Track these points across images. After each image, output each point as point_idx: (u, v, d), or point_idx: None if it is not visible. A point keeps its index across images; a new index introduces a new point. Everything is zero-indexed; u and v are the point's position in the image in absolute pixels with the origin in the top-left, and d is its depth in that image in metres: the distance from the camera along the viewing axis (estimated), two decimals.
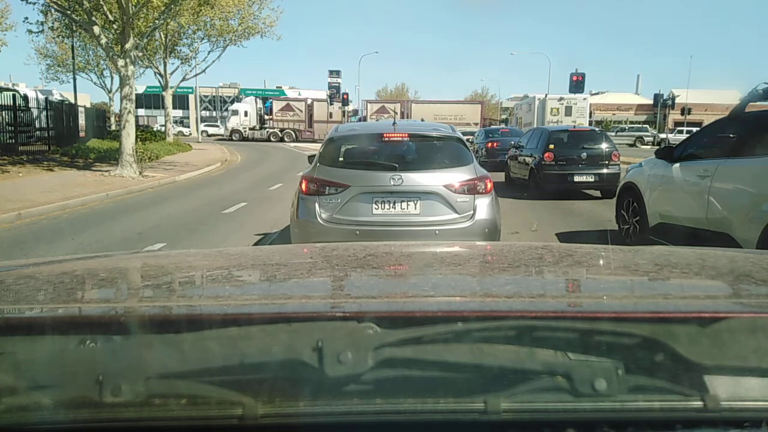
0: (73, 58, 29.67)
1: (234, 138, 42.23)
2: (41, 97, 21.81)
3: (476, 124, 38.48)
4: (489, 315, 0.85)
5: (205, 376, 0.74)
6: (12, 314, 0.92)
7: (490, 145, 18.83)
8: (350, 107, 46.41)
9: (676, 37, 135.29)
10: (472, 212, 4.58)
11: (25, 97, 19.42)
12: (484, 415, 0.70)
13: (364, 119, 44.85)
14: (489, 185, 4.72)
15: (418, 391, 0.72)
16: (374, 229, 4.47)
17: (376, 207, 4.54)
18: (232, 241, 7.10)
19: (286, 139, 43.23)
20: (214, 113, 59.44)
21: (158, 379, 0.74)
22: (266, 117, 44.70)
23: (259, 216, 9.11)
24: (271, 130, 43.98)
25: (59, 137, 20.05)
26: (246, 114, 44.24)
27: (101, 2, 14.52)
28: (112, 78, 40.49)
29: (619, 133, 41.07)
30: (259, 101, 46.32)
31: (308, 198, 4.63)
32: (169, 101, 30.44)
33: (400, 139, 4.90)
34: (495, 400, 0.70)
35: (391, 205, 4.55)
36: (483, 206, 4.61)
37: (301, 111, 44.26)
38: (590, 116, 36.51)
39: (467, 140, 6.30)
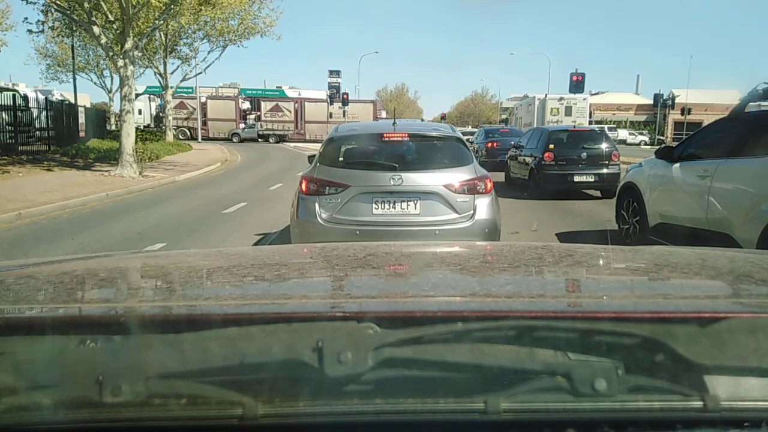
0: (73, 58, 29.67)
1: None
2: (41, 97, 21.77)
3: None
4: (489, 315, 0.84)
5: (205, 376, 0.74)
6: (12, 314, 0.92)
7: (490, 145, 18.85)
8: (245, 105, 46.27)
9: (676, 37, 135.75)
10: (472, 212, 4.57)
11: (25, 97, 19.40)
12: (484, 415, 0.70)
13: (259, 119, 44.87)
14: (489, 185, 4.71)
15: (418, 391, 0.72)
16: (374, 229, 4.47)
17: (376, 207, 4.54)
18: (232, 241, 7.10)
19: (180, 136, 42.60)
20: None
21: (158, 379, 0.74)
22: (161, 115, 43.50)
23: (259, 216, 9.11)
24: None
25: (59, 137, 20.03)
26: (140, 112, 43.26)
27: (101, 2, 14.51)
28: (112, 78, 40.56)
29: None
30: (156, 99, 45.74)
31: (308, 198, 4.62)
32: (169, 101, 30.46)
33: (400, 139, 4.90)
34: (495, 400, 0.70)
35: (391, 205, 4.55)
36: (483, 206, 4.60)
37: (195, 109, 44.17)
38: (590, 116, 36.46)
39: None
